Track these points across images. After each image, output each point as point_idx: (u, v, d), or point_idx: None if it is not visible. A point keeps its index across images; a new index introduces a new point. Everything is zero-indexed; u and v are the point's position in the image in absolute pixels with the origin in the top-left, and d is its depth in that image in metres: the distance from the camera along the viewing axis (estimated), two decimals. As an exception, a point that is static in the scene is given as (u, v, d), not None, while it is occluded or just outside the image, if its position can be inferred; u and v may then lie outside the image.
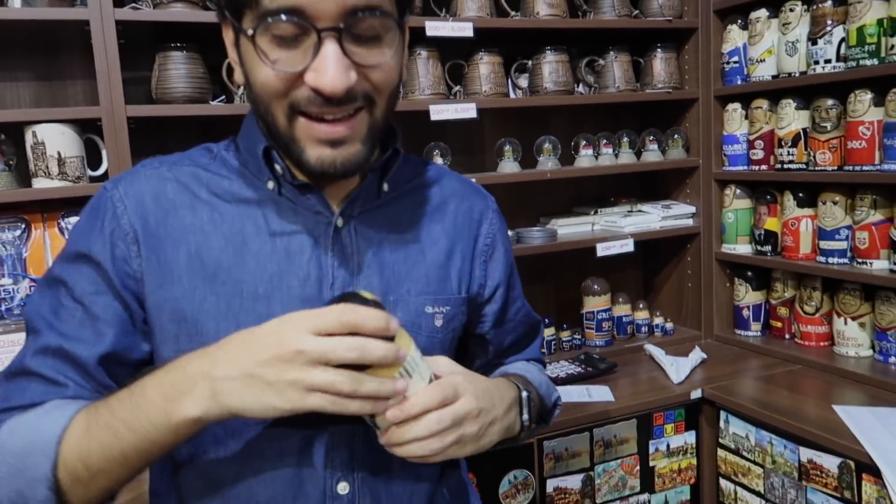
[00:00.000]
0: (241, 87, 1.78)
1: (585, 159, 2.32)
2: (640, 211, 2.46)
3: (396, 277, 0.86)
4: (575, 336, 2.39)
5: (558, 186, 2.50)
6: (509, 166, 2.21)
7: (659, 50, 2.36)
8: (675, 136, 2.44)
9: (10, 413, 0.77)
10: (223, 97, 1.90)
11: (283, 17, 0.69)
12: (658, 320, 2.49)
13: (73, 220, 1.78)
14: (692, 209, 2.46)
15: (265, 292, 0.80)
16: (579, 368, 2.17)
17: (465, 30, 2.02)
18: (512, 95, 2.30)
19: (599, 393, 2.01)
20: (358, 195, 0.85)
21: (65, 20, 1.65)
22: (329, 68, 0.70)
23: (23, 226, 1.75)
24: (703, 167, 2.42)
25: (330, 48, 0.71)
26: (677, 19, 2.33)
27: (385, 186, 0.89)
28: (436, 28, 1.98)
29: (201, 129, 2.01)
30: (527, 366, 1.09)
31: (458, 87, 2.15)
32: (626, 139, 2.40)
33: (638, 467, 1.97)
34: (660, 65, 2.36)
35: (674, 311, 2.60)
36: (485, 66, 2.12)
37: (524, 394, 0.92)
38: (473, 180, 1.06)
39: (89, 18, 1.64)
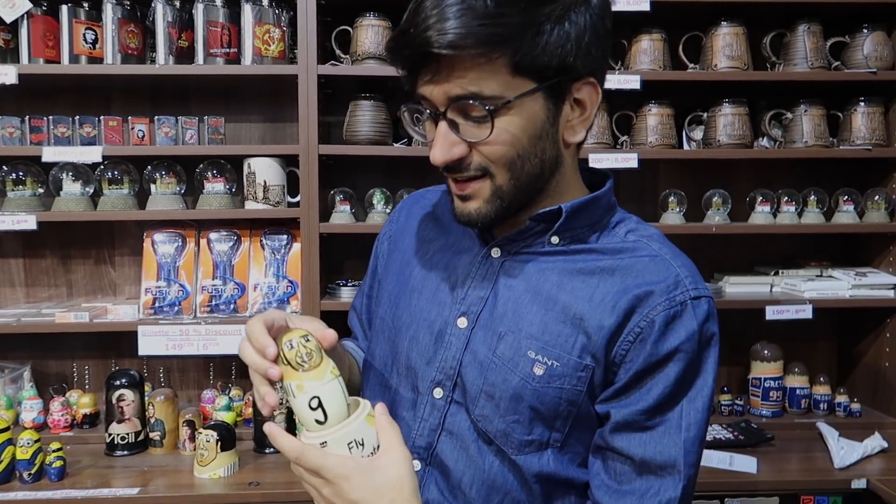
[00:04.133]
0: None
1: (760, 216, 2.20)
2: (829, 276, 2.27)
3: (515, 314, 0.92)
4: (737, 402, 2.25)
5: (734, 243, 2.39)
6: (672, 218, 2.18)
7: (862, 104, 2.18)
8: (877, 197, 2.21)
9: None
10: (405, 140, 2.16)
11: (419, 103, 0.88)
12: (842, 398, 2.24)
13: (274, 237, 2.15)
14: (894, 280, 2.20)
15: (423, 286, 1.01)
16: (730, 435, 2.05)
17: (631, 82, 2.07)
18: (686, 147, 2.28)
19: (742, 462, 1.88)
20: (516, 235, 0.95)
21: (279, 74, 2.03)
22: (435, 144, 0.86)
23: (235, 238, 2.15)
24: (909, 234, 2.17)
25: (439, 126, 0.85)
26: (885, 71, 2.13)
27: (555, 240, 0.93)
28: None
29: (384, 167, 2.29)
30: None
31: (624, 138, 2.19)
32: (813, 198, 2.23)
33: (778, 551, 1.81)
34: (861, 120, 2.17)
35: (867, 392, 2.32)
36: (653, 118, 2.15)
37: None
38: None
39: (298, 73, 2.00)
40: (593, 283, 0.90)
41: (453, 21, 0.78)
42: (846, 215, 2.22)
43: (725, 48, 2.11)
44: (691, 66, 2.16)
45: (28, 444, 1.77)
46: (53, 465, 1.78)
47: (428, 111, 0.88)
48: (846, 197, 2.23)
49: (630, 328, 0.87)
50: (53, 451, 1.79)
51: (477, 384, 0.91)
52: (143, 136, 2.08)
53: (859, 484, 1.80)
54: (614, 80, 2.06)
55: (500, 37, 0.79)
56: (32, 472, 1.77)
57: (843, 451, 1.93)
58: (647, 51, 2.12)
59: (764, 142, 2.26)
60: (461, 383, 0.93)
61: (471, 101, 0.82)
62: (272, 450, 1.98)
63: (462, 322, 0.94)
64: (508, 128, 0.84)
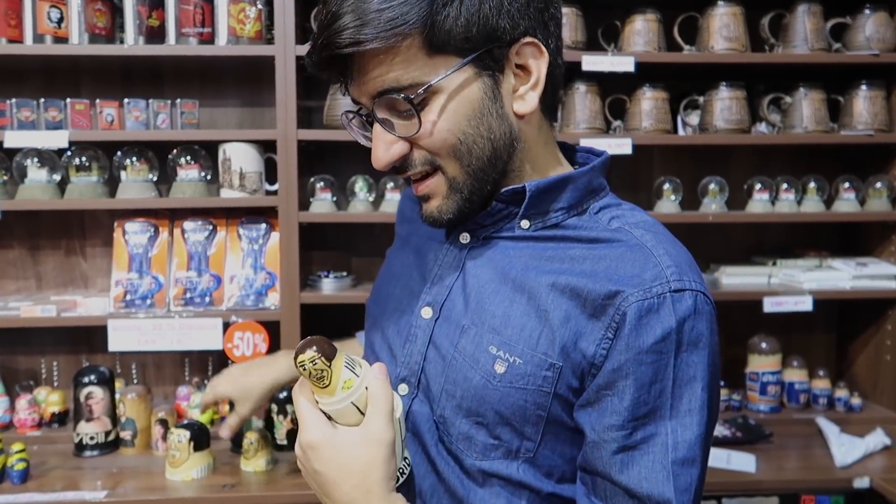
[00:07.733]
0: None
1: (758, 204, 2.12)
2: (829, 267, 2.19)
3: (479, 306, 0.83)
4: (733, 396, 2.17)
5: (732, 232, 2.31)
6: (666, 206, 2.10)
7: (863, 87, 2.09)
8: (879, 185, 2.13)
9: None
10: (389, 125, 2.06)
11: (357, 110, 0.84)
12: (842, 393, 2.17)
13: (251, 227, 2.05)
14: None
15: (400, 273, 0.97)
16: (727, 432, 1.97)
17: (624, 65, 1.98)
18: (681, 133, 2.19)
19: (740, 461, 1.81)
20: (484, 219, 0.86)
21: (256, 55, 1.93)
22: (374, 147, 0.80)
23: (210, 228, 2.05)
24: (911, 222, 2.09)
25: (374, 128, 0.80)
26: (887, 53, 2.05)
27: (525, 224, 0.85)
28: (594, 63, 1.97)
29: (367, 154, 2.19)
30: None
31: (617, 123, 2.11)
32: (813, 185, 2.15)
33: (778, 553, 1.74)
34: (862, 104, 2.09)
35: (867, 386, 2.25)
36: (647, 102, 2.06)
37: None
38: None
39: (274, 54, 1.90)
40: (560, 272, 0.80)
41: (349, 16, 0.73)
42: (847, 203, 2.15)
43: (722, 29, 2.02)
44: (687, 47, 2.07)
45: (-12, 445, 1.67)
46: (15, 468, 1.68)
47: (364, 115, 0.82)
48: (847, 184, 2.16)
49: (605, 324, 0.76)
50: (16, 453, 1.69)
51: (439, 382, 0.83)
52: (113, 121, 1.98)
53: (862, 483, 1.73)
54: (607, 63, 1.97)
55: (401, 19, 0.72)
56: (-7, 474, 1.68)
57: (845, 448, 1.86)
58: (642, 32, 2.03)
59: (762, 127, 2.17)
60: (425, 381, 0.85)
61: (392, 95, 0.76)
62: (249, 449, 1.89)
63: (426, 312, 0.87)
64: (440, 114, 0.77)
